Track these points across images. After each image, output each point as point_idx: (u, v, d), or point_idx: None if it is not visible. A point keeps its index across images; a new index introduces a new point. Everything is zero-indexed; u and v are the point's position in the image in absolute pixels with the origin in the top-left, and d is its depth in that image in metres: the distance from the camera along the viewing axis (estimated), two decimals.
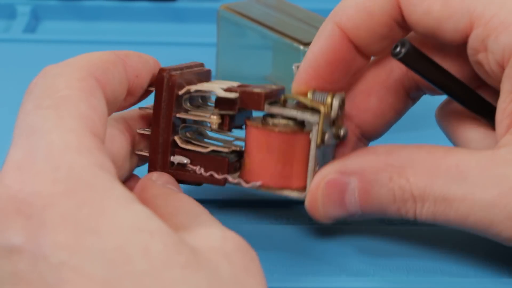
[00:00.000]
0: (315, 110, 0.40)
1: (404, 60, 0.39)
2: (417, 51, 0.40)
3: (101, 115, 0.34)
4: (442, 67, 0.41)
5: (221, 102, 0.41)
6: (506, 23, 0.38)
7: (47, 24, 0.72)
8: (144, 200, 0.36)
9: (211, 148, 0.41)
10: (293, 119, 0.41)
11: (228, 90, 0.40)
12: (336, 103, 0.41)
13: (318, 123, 0.40)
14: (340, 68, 0.42)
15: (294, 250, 0.42)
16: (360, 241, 0.42)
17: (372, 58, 0.43)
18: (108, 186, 0.31)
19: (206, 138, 0.43)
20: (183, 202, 0.37)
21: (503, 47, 0.38)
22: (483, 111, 0.42)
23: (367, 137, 0.44)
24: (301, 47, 0.54)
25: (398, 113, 0.44)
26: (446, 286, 0.39)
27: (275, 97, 0.42)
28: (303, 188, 0.41)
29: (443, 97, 0.44)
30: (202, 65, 0.43)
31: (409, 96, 0.44)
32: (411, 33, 0.42)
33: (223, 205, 0.45)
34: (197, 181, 0.42)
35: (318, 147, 0.40)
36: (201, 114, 0.41)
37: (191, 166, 0.42)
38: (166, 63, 0.62)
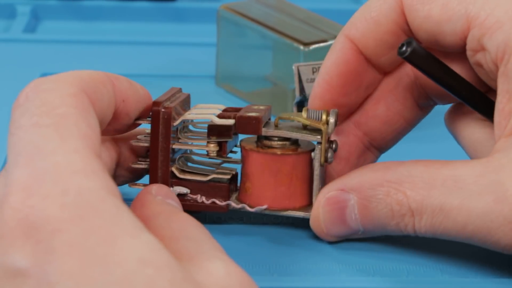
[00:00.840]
0: (313, 130, 0.41)
1: (409, 58, 0.40)
2: (423, 50, 0.40)
3: (97, 134, 0.34)
4: (447, 66, 0.41)
5: (215, 129, 0.41)
6: (501, 21, 0.38)
7: (47, 24, 0.72)
8: (144, 218, 0.36)
9: (211, 176, 0.42)
10: (288, 139, 0.41)
11: (221, 116, 0.41)
12: (332, 120, 0.41)
13: (321, 143, 0.41)
14: (352, 80, 0.42)
15: (294, 250, 0.42)
16: (360, 241, 0.42)
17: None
18: (116, 212, 0.31)
19: (193, 163, 0.43)
20: (185, 224, 0.36)
21: (497, 45, 0.39)
22: (489, 111, 0.42)
23: (376, 146, 0.44)
24: (301, 47, 0.54)
25: (408, 123, 0.44)
26: (446, 286, 0.39)
27: (267, 118, 0.42)
28: (307, 206, 0.42)
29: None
30: (180, 90, 0.43)
31: (418, 104, 0.44)
32: None
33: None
34: (199, 210, 0.42)
35: (321, 165, 0.41)
36: (198, 144, 0.42)
37: (191, 195, 0.42)
38: (166, 63, 0.62)
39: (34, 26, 0.71)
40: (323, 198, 0.41)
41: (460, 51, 0.41)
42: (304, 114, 0.41)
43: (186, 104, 0.43)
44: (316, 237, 0.42)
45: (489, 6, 0.39)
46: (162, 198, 0.38)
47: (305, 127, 0.41)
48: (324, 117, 0.41)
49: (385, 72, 0.44)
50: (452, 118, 0.43)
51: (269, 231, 0.43)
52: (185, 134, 0.42)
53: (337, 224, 0.41)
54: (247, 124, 0.41)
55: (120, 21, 0.72)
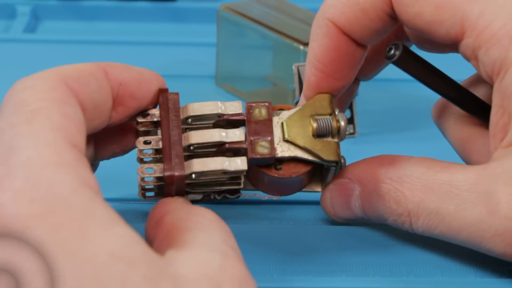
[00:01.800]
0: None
1: (398, 63, 0.40)
2: (411, 53, 0.40)
3: (78, 124, 0.33)
4: (436, 68, 0.41)
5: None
6: (498, 36, 0.38)
7: (47, 24, 0.72)
8: (165, 211, 0.36)
9: (224, 188, 0.42)
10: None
11: (234, 162, 0.40)
12: (343, 124, 0.41)
13: (335, 168, 0.41)
14: (345, 64, 0.42)
15: (294, 250, 0.42)
16: (360, 241, 0.42)
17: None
18: (89, 205, 0.30)
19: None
20: (205, 218, 0.36)
21: (494, 61, 0.38)
22: (478, 111, 0.42)
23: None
24: (301, 47, 0.54)
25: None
26: (446, 286, 0.39)
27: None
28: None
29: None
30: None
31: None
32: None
33: (223, 204, 0.45)
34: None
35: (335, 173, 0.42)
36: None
37: (205, 198, 0.42)
38: (166, 63, 0.62)
39: (34, 26, 0.71)
40: (333, 183, 0.42)
41: (452, 45, 0.40)
42: (314, 124, 0.41)
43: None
44: (316, 237, 0.42)
45: (487, 18, 0.38)
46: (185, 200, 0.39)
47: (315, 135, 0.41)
48: (334, 123, 0.41)
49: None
50: (440, 114, 0.44)
51: (269, 231, 0.43)
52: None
53: (343, 208, 0.42)
54: (262, 163, 0.40)
55: (120, 21, 0.72)
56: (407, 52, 0.40)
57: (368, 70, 0.45)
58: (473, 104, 0.42)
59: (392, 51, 0.40)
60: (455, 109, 0.43)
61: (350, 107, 0.54)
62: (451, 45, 0.40)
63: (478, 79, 0.43)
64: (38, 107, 0.33)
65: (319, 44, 0.42)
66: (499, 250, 0.38)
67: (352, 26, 0.41)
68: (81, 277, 0.29)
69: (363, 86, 0.55)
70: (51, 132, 0.32)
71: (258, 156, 0.40)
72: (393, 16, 0.41)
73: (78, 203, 0.30)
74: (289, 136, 0.40)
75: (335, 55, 0.42)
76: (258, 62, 0.59)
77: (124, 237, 0.30)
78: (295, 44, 0.55)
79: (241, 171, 0.40)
